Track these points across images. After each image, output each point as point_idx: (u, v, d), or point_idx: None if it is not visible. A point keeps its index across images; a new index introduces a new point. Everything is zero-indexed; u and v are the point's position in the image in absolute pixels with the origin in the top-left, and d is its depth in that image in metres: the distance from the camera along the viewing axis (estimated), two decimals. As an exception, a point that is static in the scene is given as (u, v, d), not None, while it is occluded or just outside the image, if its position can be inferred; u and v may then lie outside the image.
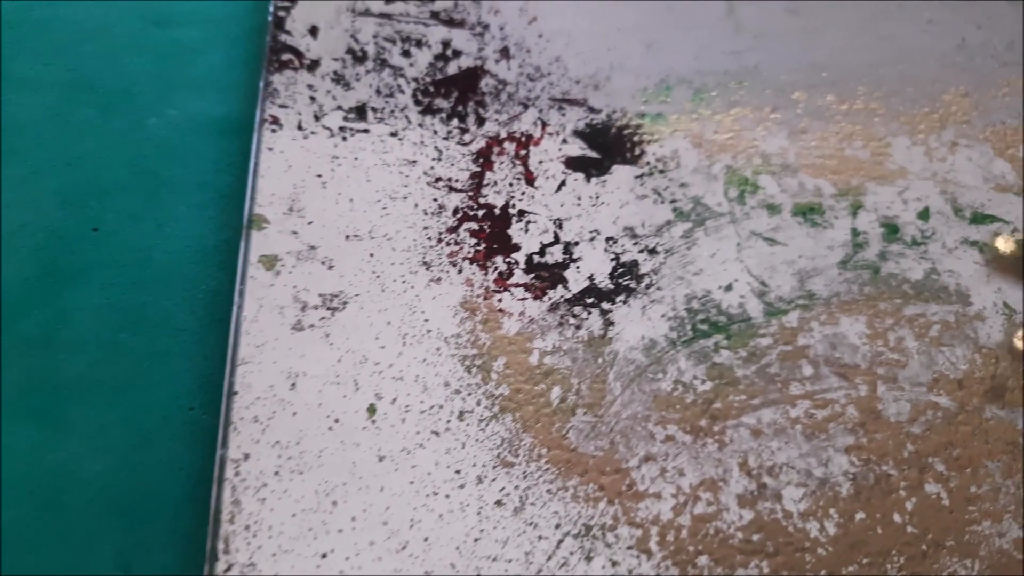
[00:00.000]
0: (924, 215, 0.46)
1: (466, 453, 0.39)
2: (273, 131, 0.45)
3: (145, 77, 0.46)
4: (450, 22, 0.48)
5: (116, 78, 0.46)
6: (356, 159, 0.45)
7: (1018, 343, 0.44)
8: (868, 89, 0.49)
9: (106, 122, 0.45)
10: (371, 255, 0.43)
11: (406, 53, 0.47)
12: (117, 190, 0.44)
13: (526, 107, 0.46)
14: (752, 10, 0.50)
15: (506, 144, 0.46)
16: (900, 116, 0.48)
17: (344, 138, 0.45)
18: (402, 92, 0.46)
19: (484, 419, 0.39)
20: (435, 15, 0.48)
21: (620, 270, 0.43)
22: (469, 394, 0.40)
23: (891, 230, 0.46)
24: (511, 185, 0.45)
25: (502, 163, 0.45)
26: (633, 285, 0.43)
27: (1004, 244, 0.46)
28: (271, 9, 0.47)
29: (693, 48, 0.49)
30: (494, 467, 0.39)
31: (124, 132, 0.45)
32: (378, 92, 0.46)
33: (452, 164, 0.45)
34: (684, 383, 0.41)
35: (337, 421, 0.39)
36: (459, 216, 0.44)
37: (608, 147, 0.46)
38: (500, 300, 0.42)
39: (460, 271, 0.43)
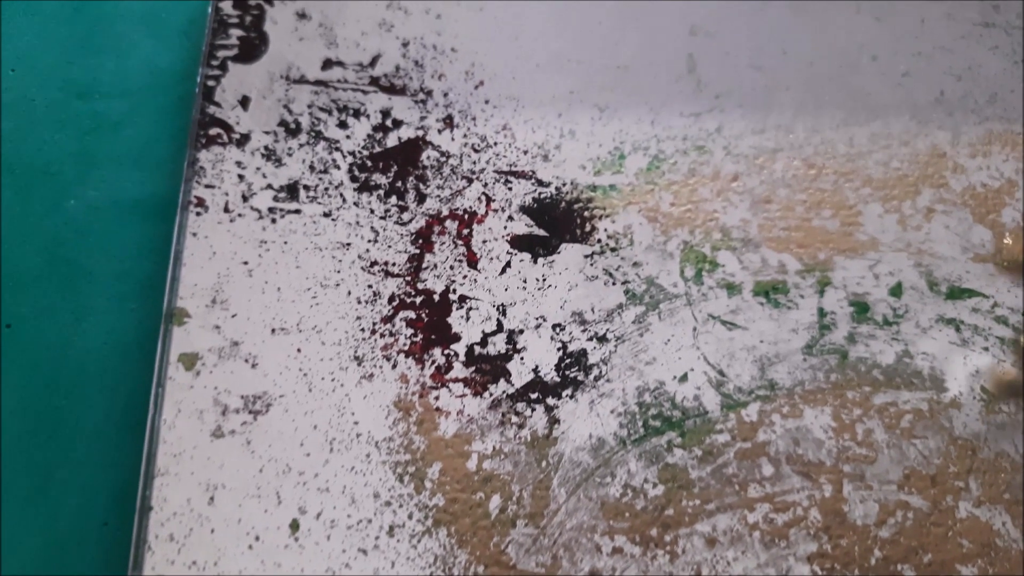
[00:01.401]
0: (896, 291, 0.41)
1: (396, 573, 0.34)
2: (198, 214, 0.40)
3: (65, 154, 0.41)
4: (391, 89, 0.43)
5: (35, 156, 0.42)
6: (286, 243, 0.40)
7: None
8: (837, 151, 0.44)
9: (23, 205, 0.40)
10: (298, 350, 0.38)
11: (342, 124, 0.42)
12: (32, 281, 0.39)
13: (470, 181, 0.42)
14: (713, 66, 0.45)
15: (448, 223, 0.41)
16: (872, 180, 0.43)
17: (274, 220, 0.40)
18: (337, 168, 0.41)
19: (416, 534, 0.35)
20: (375, 81, 0.43)
21: (567, 361, 0.39)
22: (401, 506, 0.36)
23: (861, 309, 0.41)
24: (452, 268, 0.40)
25: (443, 244, 0.40)
26: (581, 377, 0.38)
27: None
28: (199, 79, 0.42)
29: (649, 110, 0.43)
30: (422, 594, 0.34)
31: (41, 216, 0.40)
32: (311, 168, 0.41)
33: (389, 246, 0.40)
34: (634, 487, 0.37)
35: (258, 539, 0.34)
36: (395, 304, 0.39)
37: (557, 224, 0.41)
38: (437, 398, 0.38)
39: (395, 366, 0.38)
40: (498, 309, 0.39)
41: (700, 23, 0.46)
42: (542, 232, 0.41)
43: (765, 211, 0.42)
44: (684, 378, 0.39)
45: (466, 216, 0.41)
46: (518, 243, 0.41)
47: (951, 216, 0.43)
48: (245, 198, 0.41)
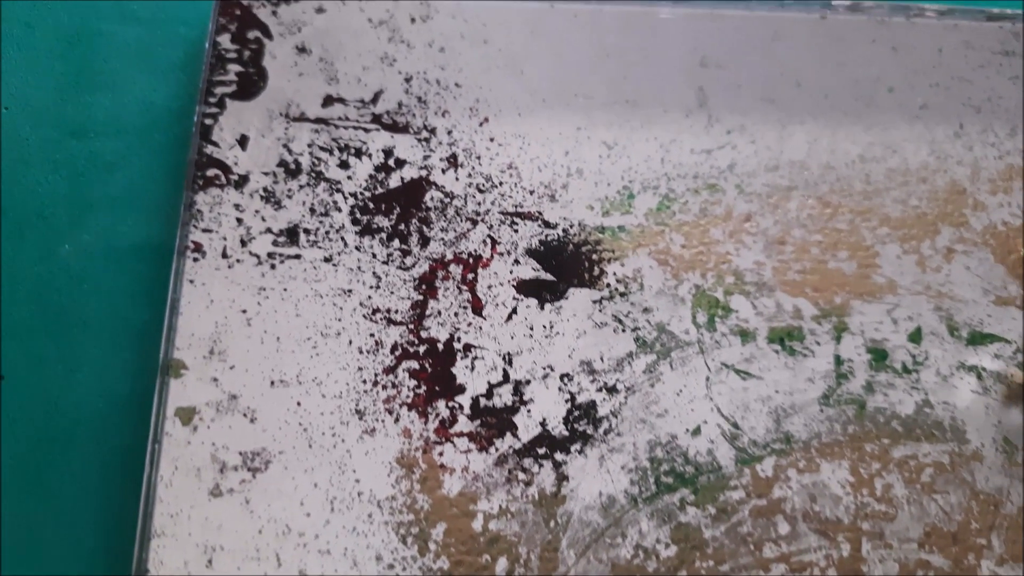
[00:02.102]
0: (916, 337, 0.39)
1: (398, 642, 0.32)
2: (195, 260, 0.38)
3: (59, 197, 0.39)
4: (393, 126, 0.40)
5: (29, 199, 0.39)
6: (285, 290, 0.38)
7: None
8: (854, 188, 0.41)
9: (16, 250, 0.38)
10: (298, 403, 0.36)
11: (344, 164, 0.40)
12: (25, 331, 0.37)
13: (475, 223, 0.39)
14: (725, 99, 0.42)
15: (452, 267, 0.38)
16: (890, 219, 0.41)
17: (273, 266, 0.38)
18: (338, 210, 0.39)
19: (419, 599, 0.33)
20: (377, 118, 0.41)
21: (576, 413, 0.36)
22: (404, 568, 0.33)
23: (879, 356, 0.38)
24: (456, 315, 0.38)
25: (447, 289, 0.38)
26: (590, 431, 0.36)
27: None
28: (196, 117, 0.40)
29: (659, 147, 0.41)
30: None
31: (35, 262, 0.38)
32: (312, 211, 0.39)
33: (392, 292, 0.38)
34: (646, 548, 0.34)
35: (256, 605, 0.32)
36: (398, 354, 0.37)
37: (564, 268, 0.39)
38: (441, 453, 0.35)
39: (397, 419, 0.36)
40: (504, 358, 0.37)
41: (710, 54, 0.43)
42: (549, 276, 0.39)
43: (779, 253, 0.40)
44: (697, 431, 0.36)
45: (471, 260, 0.39)
46: (524, 288, 0.38)
47: (971, 256, 0.40)
48: (244, 243, 0.38)
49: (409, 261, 0.38)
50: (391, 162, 0.40)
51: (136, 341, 0.37)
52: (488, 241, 0.39)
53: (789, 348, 0.38)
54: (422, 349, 0.37)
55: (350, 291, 0.38)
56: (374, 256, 0.38)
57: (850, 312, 0.39)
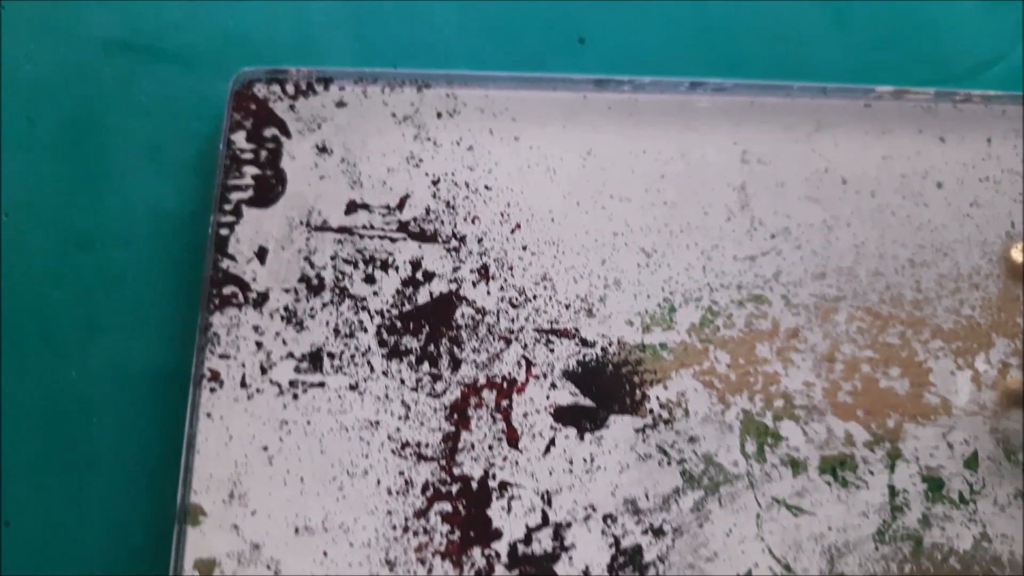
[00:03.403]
0: (972, 463, 0.35)
1: None
2: (212, 390, 0.34)
3: (64, 316, 0.35)
4: (421, 235, 0.36)
5: (33, 318, 0.35)
6: (309, 423, 0.33)
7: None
8: (904, 297, 0.37)
9: (16, 378, 0.34)
10: (324, 554, 0.32)
11: (369, 278, 0.35)
12: (28, 470, 0.33)
13: (508, 343, 0.35)
14: (767, 199, 0.38)
15: (485, 393, 0.34)
16: (942, 331, 0.37)
17: (295, 395, 0.34)
18: (364, 331, 0.35)
19: None
20: (403, 226, 0.36)
21: (621, 559, 0.32)
22: None
23: (934, 485, 0.34)
24: (491, 448, 0.34)
25: (480, 419, 0.34)
26: (635, 578, 0.32)
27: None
28: (211, 228, 0.35)
29: (700, 254, 0.37)
30: None
31: (40, 390, 0.34)
32: (336, 332, 0.35)
33: (422, 423, 0.34)
34: None
35: None
36: (429, 494, 0.33)
37: (604, 392, 0.35)
38: (478, 607, 0.31)
39: (430, 570, 0.32)
40: (543, 497, 0.33)
41: (751, 148, 0.39)
42: (588, 402, 0.34)
43: (829, 371, 0.36)
44: (748, 576, 0.32)
45: (505, 385, 0.34)
46: (562, 416, 0.34)
47: (1028, 372, 0.36)
48: (264, 370, 0.34)
49: (440, 387, 0.34)
50: (419, 275, 0.36)
51: (149, 480, 0.33)
52: (523, 362, 0.35)
53: (842, 479, 0.34)
54: (455, 488, 0.33)
55: (377, 423, 0.33)
56: (402, 382, 0.34)
57: (904, 437, 0.35)
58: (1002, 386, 0.36)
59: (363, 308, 0.35)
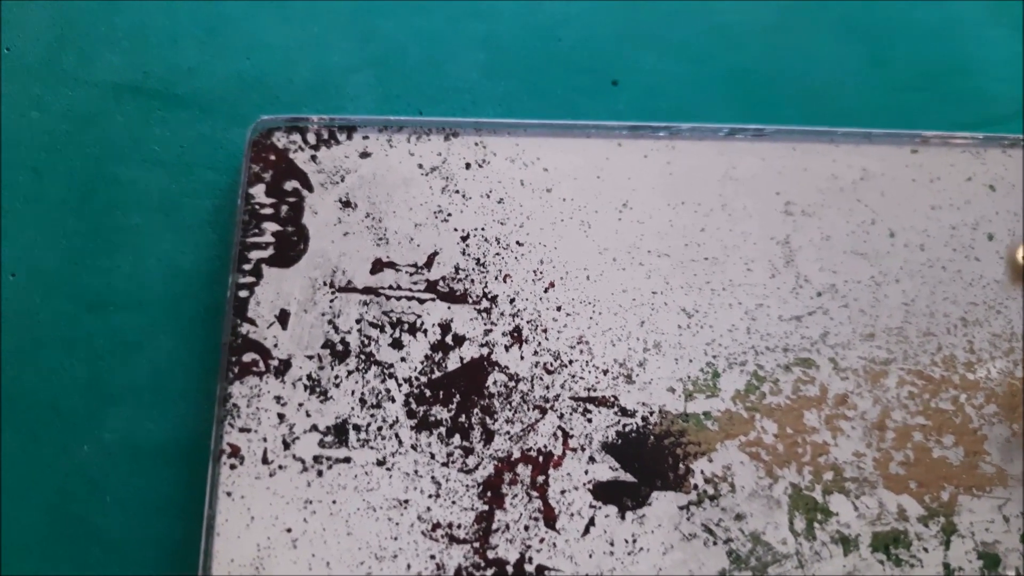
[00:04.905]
0: None
1: None
2: (232, 467, 0.30)
3: (76, 386, 0.31)
4: (450, 296, 0.32)
5: (41, 387, 0.31)
6: (334, 502, 0.30)
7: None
8: (957, 358, 0.33)
9: (26, 453, 0.30)
10: None
11: (397, 343, 0.31)
12: (36, 555, 0.29)
13: (544, 412, 0.31)
14: (812, 254, 0.34)
15: (519, 468, 0.30)
16: (996, 395, 0.33)
17: (320, 472, 0.30)
18: (392, 400, 0.31)
19: None
20: (432, 286, 0.32)
21: None
22: None
23: (991, 562, 0.31)
24: (526, 529, 0.30)
25: (515, 496, 0.30)
26: (681, 669, 0.28)
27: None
28: (229, 290, 0.31)
29: (744, 314, 0.33)
30: None
31: (48, 464, 0.30)
32: (362, 402, 0.31)
33: (453, 502, 0.30)
34: None
35: None
36: None
37: (645, 466, 0.31)
38: None
39: None
40: (583, 582, 0.29)
41: (795, 199, 0.35)
42: (629, 477, 0.31)
43: (880, 440, 0.32)
44: (800, 667, 0.29)
45: (541, 459, 0.31)
46: (602, 492, 0.30)
47: (1087, 439, 0.32)
48: (287, 444, 0.30)
49: (472, 462, 0.30)
50: (449, 339, 0.32)
51: (167, 564, 0.29)
52: (559, 434, 0.31)
53: (895, 557, 0.30)
54: (490, 574, 0.29)
55: (407, 501, 0.30)
56: (432, 457, 0.30)
57: (958, 510, 0.31)
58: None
59: (390, 375, 0.31)
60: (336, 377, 0.31)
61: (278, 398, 0.31)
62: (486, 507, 0.30)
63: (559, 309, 0.33)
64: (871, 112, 0.38)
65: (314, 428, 0.31)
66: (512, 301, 0.33)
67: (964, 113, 0.39)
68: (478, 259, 0.33)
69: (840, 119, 0.37)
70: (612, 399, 0.32)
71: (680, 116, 0.37)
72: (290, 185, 0.34)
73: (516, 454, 0.31)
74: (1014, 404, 0.33)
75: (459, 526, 0.30)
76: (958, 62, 0.39)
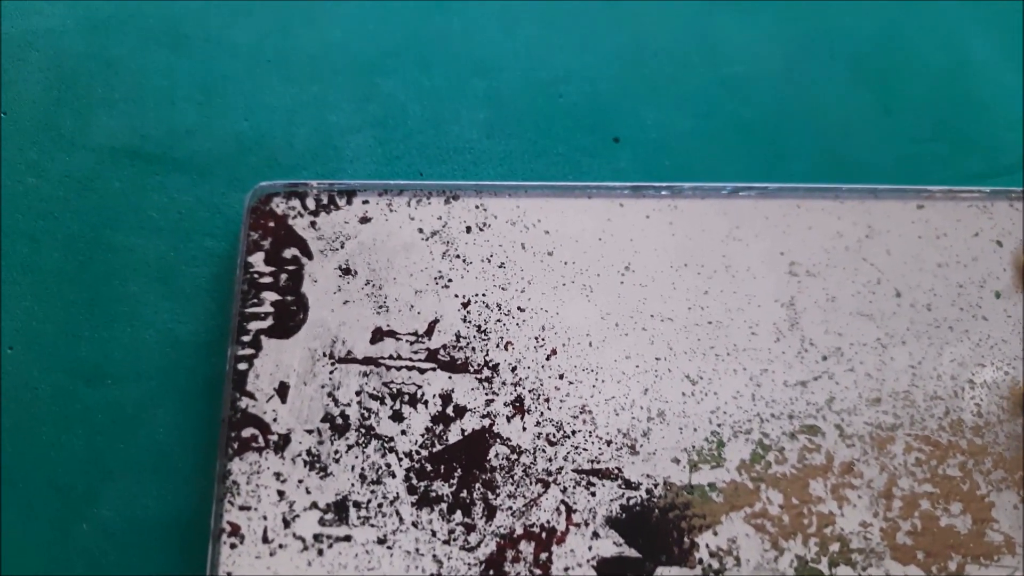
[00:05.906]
0: None
1: None
2: (232, 546, 0.28)
3: (74, 462, 0.30)
4: (451, 365, 0.31)
5: (39, 464, 0.30)
6: None
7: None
8: (964, 422, 0.32)
9: (24, 532, 0.29)
10: None
11: (397, 416, 0.30)
12: None
13: (546, 486, 0.30)
14: (817, 317, 0.33)
15: (522, 545, 0.29)
16: (1004, 460, 0.31)
17: (320, 551, 0.29)
18: (392, 476, 0.30)
19: None
20: (432, 355, 0.31)
21: None
22: None
23: None
24: None
25: (518, 574, 0.29)
26: None
27: None
28: (228, 363, 0.30)
29: (749, 380, 0.31)
30: None
31: (47, 544, 0.29)
32: (362, 478, 0.30)
33: None
34: None
35: None
36: None
37: (650, 540, 0.30)
38: None
39: None
40: (587, 663, 0.28)
41: (799, 259, 0.34)
42: (634, 553, 0.29)
43: (887, 509, 0.31)
44: None
45: (544, 535, 0.29)
46: (606, 569, 0.29)
47: (1097, 506, 0.31)
48: (287, 522, 0.29)
49: (474, 539, 0.29)
50: (450, 410, 0.30)
51: None
52: (562, 508, 0.29)
53: (904, 633, 0.29)
54: None
55: (409, 581, 0.28)
56: (434, 534, 0.29)
57: (968, 581, 0.30)
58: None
59: (391, 450, 0.30)
60: (336, 452, 0.30)
61: (278, 474, 0.30)
62: (489, 586, 0.29)
63: (561, 377, 0.32)
64: (880, 160, 0.36)
65: (314, 505, 0.29)
66: (514, 369, 0.31)
67: (972, 162, 0.37)
68: (479, 326, 0.32)
69: (848, 169, 0.36)
70: (616, 471, 0.31)
71: (684, 171, 0.35)
72: (289, 253, 0.32)
73: (519, 530, 0.30)
74: (1015, 467, 0.31)
75: (461, 606, 0.29)
76: (969, 109, 0.38)
